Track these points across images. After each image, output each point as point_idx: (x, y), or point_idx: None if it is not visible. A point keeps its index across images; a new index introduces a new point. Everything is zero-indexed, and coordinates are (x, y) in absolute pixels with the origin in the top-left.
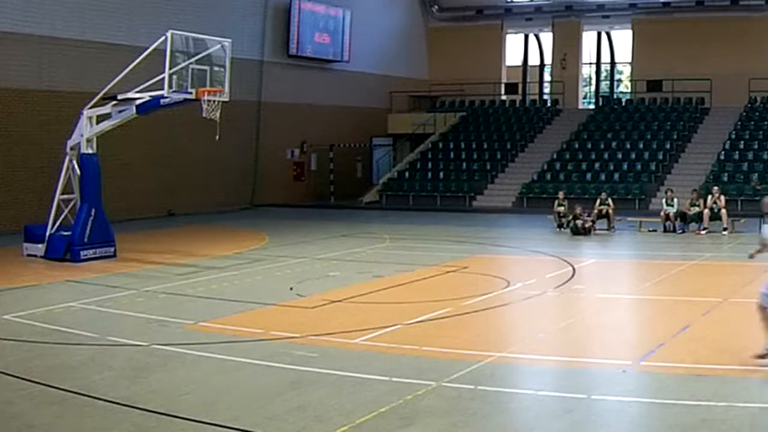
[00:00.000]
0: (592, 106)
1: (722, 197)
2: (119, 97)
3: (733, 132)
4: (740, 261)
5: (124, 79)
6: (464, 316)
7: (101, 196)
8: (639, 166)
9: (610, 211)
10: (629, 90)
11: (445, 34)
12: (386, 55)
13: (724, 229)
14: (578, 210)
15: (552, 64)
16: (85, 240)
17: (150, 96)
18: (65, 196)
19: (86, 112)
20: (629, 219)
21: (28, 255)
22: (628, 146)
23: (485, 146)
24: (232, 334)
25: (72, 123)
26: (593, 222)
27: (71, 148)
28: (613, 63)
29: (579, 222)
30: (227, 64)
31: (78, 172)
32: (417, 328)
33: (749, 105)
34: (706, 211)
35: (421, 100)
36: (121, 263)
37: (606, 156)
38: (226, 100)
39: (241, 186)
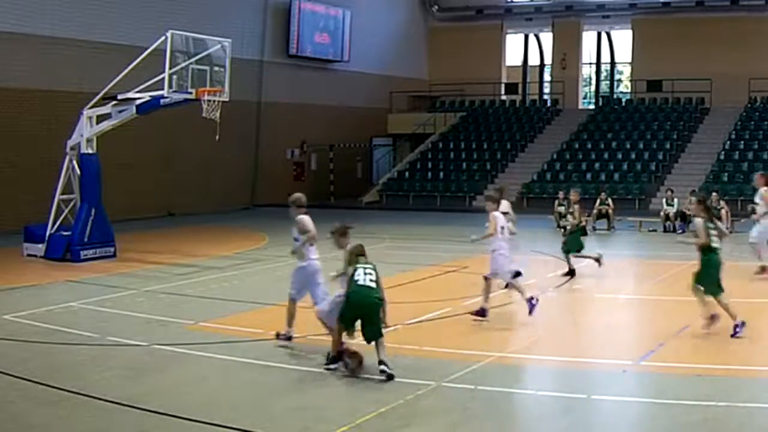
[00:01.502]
0: (592, 106)
1: (721, 202)
2: (119, 97)
3: (733, 132)
4: (740, 261)
5: (124, 79)
6: (464, 316)
7: (101, 196)
8: (639, 166)
9: (610, 211)
10: (629, 90)
11: (445, 34)
12: (386, 55)
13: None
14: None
15: (552, 64)
16: (85, 240)
17: (150, 96)
18: (65, 196)
19: (86, 112)
20: (629, 219)
21: (28, 255)
22: (628, 146)
23: (485, 146)
24: (232, 334)
25: (72, 123)
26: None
27: (71, 148)
28: (613, 63)
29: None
30: (227, 64)
31: (78, 172)
32: (417, 328)
33: (749, 105)
34: None
35: (421, 100)
36: (121, 263)
37: (606, 156)
38: (226, 100)
39: (241, 186)
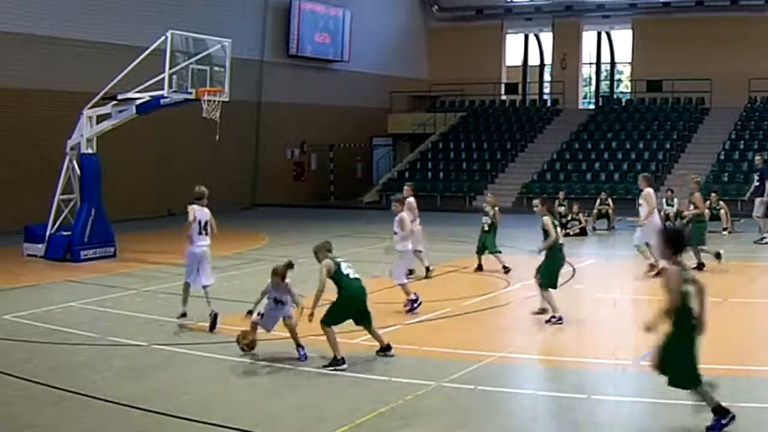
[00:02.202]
0: (592, 106)
1: (721, 203)
2: (119, 97)
3: (733, 132)
4: (740, 261)
5: (124, 79)
6: (464, 316)
7: (101, 196)
8: (639, 166)
9: (610, 211)
10: (629, 90)
11: (445, 34)
12: (386, 55)
13: (724, 229)
14: (569, 216)
15: (552, 64)
16: (85, 240)
17: (150, 96)
18: (65, 196)
19: (86, 112)
20: (629, 219)
21: (29, 255)
22: (628, 146)
23: (485, 146)
24: (232, 334)
25: (72, 123)
26: (582, 226)
27: (71, 148)
28: (613, 63)
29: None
30: (227, 64)
31: (78, 172)
32: (417, 328)
33: (749, 105)
34: (707, 211)
35: (421, 100)
36: (121, 263)
37: (606, 156)
38: (226, 100)
39: (241, 186)
